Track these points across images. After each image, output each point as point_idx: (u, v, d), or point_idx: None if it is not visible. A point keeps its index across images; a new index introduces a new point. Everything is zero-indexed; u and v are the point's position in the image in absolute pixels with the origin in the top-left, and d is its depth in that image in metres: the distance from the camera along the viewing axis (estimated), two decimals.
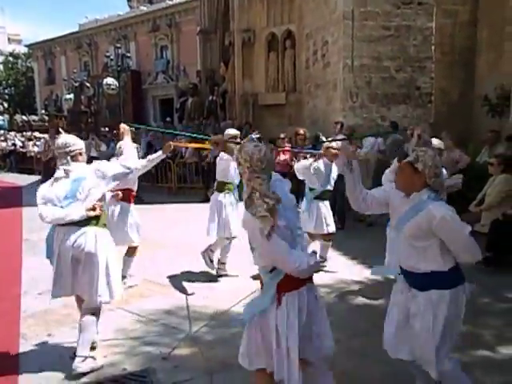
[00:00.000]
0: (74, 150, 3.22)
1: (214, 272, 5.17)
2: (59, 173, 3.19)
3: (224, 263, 5.18)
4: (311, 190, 5.25)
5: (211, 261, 5.16)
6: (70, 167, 3.17)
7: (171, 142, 4.78)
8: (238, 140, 4.98)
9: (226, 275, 5.11)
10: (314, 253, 2.38)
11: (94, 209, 3.13)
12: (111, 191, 4.26)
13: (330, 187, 5.25)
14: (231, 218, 4.96)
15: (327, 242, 5.38)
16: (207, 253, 5.13)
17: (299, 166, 5.35)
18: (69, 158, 3.20)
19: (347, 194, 2.68)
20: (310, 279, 2.35)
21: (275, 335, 2.22)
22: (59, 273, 3.17)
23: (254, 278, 4.82)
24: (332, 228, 5.26)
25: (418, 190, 2.39)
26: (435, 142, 5.17)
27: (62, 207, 3.09)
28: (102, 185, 3.23)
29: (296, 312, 2.22)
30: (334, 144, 5.19)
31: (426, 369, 2.50)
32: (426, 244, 2.36)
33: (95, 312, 3.28)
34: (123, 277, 4.54)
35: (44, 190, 3.16)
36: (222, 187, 5.03)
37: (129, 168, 3.40)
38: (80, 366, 3.09)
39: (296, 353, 2.19)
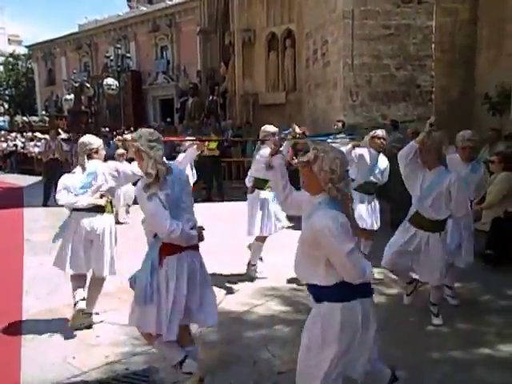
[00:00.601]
0: (89, 149, 3.75)
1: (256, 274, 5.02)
2: (77, 168, 3.76)
3: (255, 264, 5.05)
4: (353, 180, 4.94)
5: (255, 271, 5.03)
6: (84, 163, 3.70)
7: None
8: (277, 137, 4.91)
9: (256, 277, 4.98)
10: (199, 227, 2.64)
11: (101, 197, 3.68)
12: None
13: (373, 179, 4.88)
14: (279, 214, 4.88)
15: (366, 241, 5.02)
16: (250, 267, 5.03)
17: None
18: (85, 156, 3.73)
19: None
20: (194, 248, 2.64)
21: (157, 294, 2.52)
22: (74, 252, 3.67)
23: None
24: (367, 224, 4.87)
25: (315, 193, 2.17)
26: (379, 132, 4.94)
27: (76, 195, 3.64)
28: (112, 182, 3.73)
29: (174, 274, 2.52)
30: (379, 132, 4.93)
31: None
32: (314, 254, 2.11)
33: (100, 283, 3.83)
34: None
35: (64, 179, 3.71)
36: (263, 184, 4.87)
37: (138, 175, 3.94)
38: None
39: (175, 310, 2.50)
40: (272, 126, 4.91)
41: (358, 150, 4.84)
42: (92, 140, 3.79)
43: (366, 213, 4.89)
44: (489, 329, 3.72)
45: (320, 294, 2.17)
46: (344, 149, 5.05)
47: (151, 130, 2.65)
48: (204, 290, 2.66)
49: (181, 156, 5.15)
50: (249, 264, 5.06)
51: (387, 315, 3.94)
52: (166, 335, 2.55)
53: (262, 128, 4.95)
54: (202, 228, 2.65)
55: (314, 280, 2.16)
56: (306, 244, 2.15)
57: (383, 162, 4.91)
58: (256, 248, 5.01)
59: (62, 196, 3.62)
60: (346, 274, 2.07)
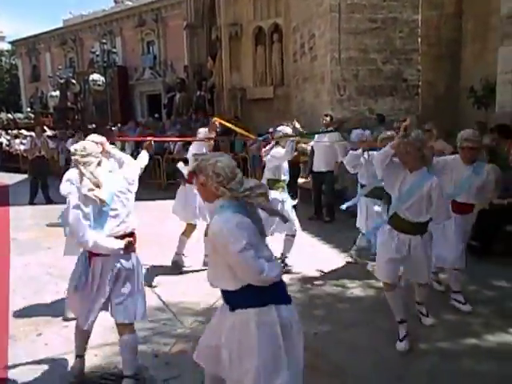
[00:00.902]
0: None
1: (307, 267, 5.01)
2: None
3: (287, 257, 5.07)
4: (362, 186, 4.98)
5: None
6: None
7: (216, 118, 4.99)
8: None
9: (289, 271, 4.94)
10: (127, 240, 2.83)
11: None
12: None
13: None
14: (292, 214, 4.90)
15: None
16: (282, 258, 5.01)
17: (348, 158, 4.97)
18: None
19: None
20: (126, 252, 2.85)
21: (84, 285, 2.83)
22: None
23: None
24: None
25: (214, 200, 2.18)
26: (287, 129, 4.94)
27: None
28: None
29: (99, 273, 2.81)
30: (389, 134, 4.76)
31: None
32: (218, 258, 2.11)
33: None
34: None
35: (69, 173, 3.84)
36: (274, 185, 4.90)
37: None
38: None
39: (94, 305, 2.84)
40: (289, 128, 5.03)
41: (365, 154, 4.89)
42: (96, 138, 3.95)
43: (375, 216, 4.94)
44: (475, 319, 3.77)
45: (231, 299, 2.17)
46: (354, 153, 5.04)
47: (84, 147, 2.90)
48: (129, 290, 2.89)
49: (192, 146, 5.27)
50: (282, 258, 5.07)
51: (375, 307, 3.98)
52: (80, 321, 2.91)
53: (279, 128, 5.07)
54: (129, 241, 2.85)
55: (223, 284, 2.17)
56: (211, 250, 2.16)
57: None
58: (285, 241, 5.03)
59: (65, 187, 3.80)
60: (242, 273, 2.05)
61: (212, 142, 5.21)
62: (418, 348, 3.31)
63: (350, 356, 3.22)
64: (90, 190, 2.75)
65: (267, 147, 5.09)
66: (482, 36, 9.98)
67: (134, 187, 3.05)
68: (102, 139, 3.36)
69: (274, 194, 4.85)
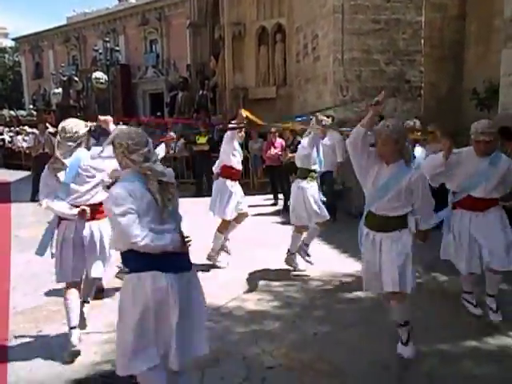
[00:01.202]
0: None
1: (307, 266, 5.04)
2: None
3: (294, 253, 5.08)
4: None
5: (308, 255, 5.06)
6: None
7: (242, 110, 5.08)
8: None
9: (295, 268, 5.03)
10: (81, 209, 3.25)
11: None
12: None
13: None
14: (316, 204, 4.89)
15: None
16: (302, 249, 5.04)
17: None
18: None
19: None
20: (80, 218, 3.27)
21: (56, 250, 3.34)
22: None
23: None
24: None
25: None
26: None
27: None
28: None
29: (62, 233, 3.32)
30: (412, 124, 4.65)
31: None
32: None
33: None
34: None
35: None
36: (306, 174, 4.93)
37: None
38: None
39: (62, 263, 3.31)
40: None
41: None
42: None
43: None
44: (476, 321, 3.77)
45: (123, 262, 2.36)
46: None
47: (65, 130, 3.31)
48: (91, 254, 3.35)
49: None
50: (288, 252, 5.10)
51: (375, 308, 3.97)
52: (57, 277, 3.37)
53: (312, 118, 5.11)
54: (83, 209, 3.25)
55: (117, 245, 2.39)
56: None
57: (419, 153, 4.82)
58: (293, 237, 5.06)
59: None
60: (119, 236, 2.23)
61: (243, 133, 5.33)
62: (417, 350, 3.30)
63: (350, 357, 3.22)
64: (56, 169, 3.25)
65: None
66: (485, 38, 9.96)
67: (106, 164, 3.27)
68: (107, 117, 3.57)
69: (301, 183, 4.91)
